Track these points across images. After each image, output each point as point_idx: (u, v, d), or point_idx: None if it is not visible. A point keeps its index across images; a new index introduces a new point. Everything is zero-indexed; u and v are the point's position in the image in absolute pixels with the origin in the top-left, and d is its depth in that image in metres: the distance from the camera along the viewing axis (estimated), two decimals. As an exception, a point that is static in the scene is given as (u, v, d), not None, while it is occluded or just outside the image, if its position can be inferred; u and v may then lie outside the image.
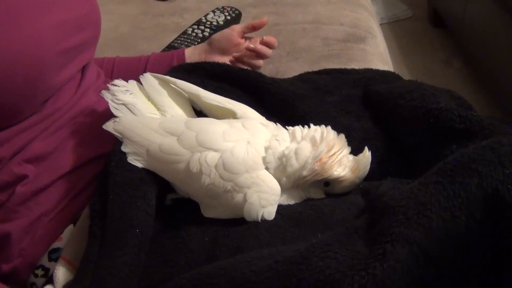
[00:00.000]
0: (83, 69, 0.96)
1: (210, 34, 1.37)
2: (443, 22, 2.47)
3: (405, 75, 1.02)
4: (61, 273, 0.78)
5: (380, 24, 2.53)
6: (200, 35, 1.36)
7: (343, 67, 1.13)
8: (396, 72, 1.09)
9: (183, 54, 1.18)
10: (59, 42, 0.85)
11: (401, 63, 2.41)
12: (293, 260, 0.65)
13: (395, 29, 2.63)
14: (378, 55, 1.36)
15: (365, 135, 0.91)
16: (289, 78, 1.09)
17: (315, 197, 0.82)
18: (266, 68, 1.25)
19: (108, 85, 0.88)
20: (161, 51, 1.33)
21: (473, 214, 0.62)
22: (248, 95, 0.98)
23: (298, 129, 0.83)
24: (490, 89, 2.15)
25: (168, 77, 0.91)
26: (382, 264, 0.61)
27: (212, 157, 0.77)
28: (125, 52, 1.35)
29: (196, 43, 1.34)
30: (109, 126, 0.82)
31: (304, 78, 1.08)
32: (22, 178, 0.84)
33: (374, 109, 0.96)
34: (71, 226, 0.85)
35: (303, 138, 0.81)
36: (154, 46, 1.37)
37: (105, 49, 1.33)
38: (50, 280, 0.81)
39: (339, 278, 0.62)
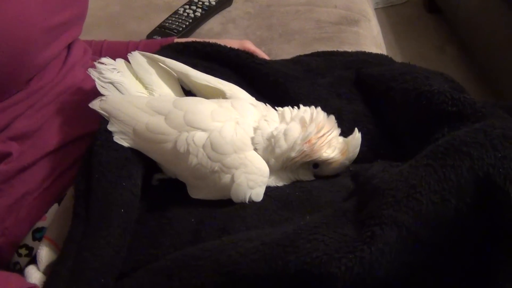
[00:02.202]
0: (69, 46, 0.94)
1: (202, 15, 1.35)
2: (438, 7, 2.45)
3: (399, 61, 1.00)
4: (44, 253, 0.77)
5: (375, 9, 2.51)
6: (192, 15, 1.34)
7: (335, 49, 1.12)
8: (390, 57, 1.08)
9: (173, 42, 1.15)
10: (44, 20, 0.83)
11: (395, 48, 2.40)
12: (280, 242, 0.64)
13: (390, 14, 2.61)
14: (371, 38, 1.34)
15: (356, 118, 0.89)
16: (280, 60, 1.07)
17: (304, 179, 0.81)
18: (258, 50, 1.23)
19: (95, 63, 0.86)
20: (151, 31, 1.32)
21: (463, 197, 0.61)
22: (239, 75, 0.96)
23: (287, 109, 0.82)
24: (484, 75, 2.14)
25: (157, 56, 0.89)
26: (370, 247, 0.61)
27: (199, 137, 0.76)
28: (114, 32, 1.34)
29: (187, 23, 1.32)
30: (95, 104, 0.81)
31: (296, 60, 1.06)
32: (6, 156, 0.82)
33: (366, 92, 0.94)
34: (55, 206, 0.83)
35: (292, 119, 0.79)
36: (145, 26, 1.35)
37: (94, 28, 1.32)
38: (33, 260, 0.80)
39: (326, 261, 0.61)
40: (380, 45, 1.36)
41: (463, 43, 2.30)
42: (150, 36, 1.30)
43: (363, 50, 1.15)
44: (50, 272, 0.73)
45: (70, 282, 0.70)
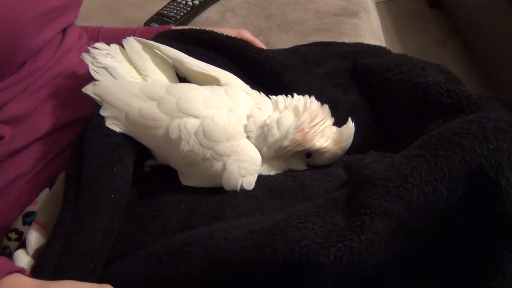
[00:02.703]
0: (64, 30, 0.93)
1: (200, 3, 1.34)
2: (440, 2, 2.44)
3: (400, 55, 1.00)
4: (33, 238, 0.77)
5: (377, 3, 2.49)
6: (190, 3, 1.34)
7: (333, 40, 1.11)
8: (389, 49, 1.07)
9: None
10: (38, 4, 0.83)
11: (396, 42, 2.38)
12: (269, 230, 0.64)
13: (391, 8, 2.59)
14: (370, 31, 1.33)
15: (351, 108, 0.89)
16: (277, 49, 1.06)
17: (297, 168, 0.81)
18: (256, 40, 1.22)
19: (89, 48, 0.85)
20: (149, 19, 1.31)
21: (455, 189, 0.61)
22: (234, 63, 0.96)
23: (281, 98, 0.81)
24: (485, 71, 2.13)
25: (152, 42, 0.89)
26: (360, 237, 0.61)
27: (192, 123, 0.75)
28: (112, 19, 1.33)
29: (185, 11, 1.31)
30: (88, 89, 0.80)
31: (293, 49, 1.06)
32: None
33: (362, 83, 0.94)
34: (47, 190, 0.83)
35: (285, 108, 0.79)
36: (143, 13, 1.34)
37: (91, 14, 1.31)
38: (23, 244, 0.79)
39: (315, 250, 0.61)
40: (379, 37, 1.35)
41: (464, 39, 2.29)
42: (147, 23, 1.29)
43: (361, 41, 1.14)
44: (39, 256, 0.73)
45: (58, 266, 0.70)
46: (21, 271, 0.70)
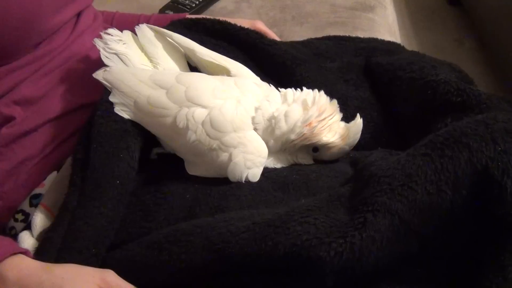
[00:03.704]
0: (80, 13, 0.93)
1: (216, -9, 1.34)
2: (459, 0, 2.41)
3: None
4: (39, 220, 0.78)
5: (395, -2, 2.48)
6: (206, -10, 1.33)
7: (348, 35, 1.10)
8: (405, 47, 1.06)
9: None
10: None
11: (412, 38, 2.36)
12: (271, 223, 0.64)
13: (409, 3, 2.57)
14: (386, 26, 1.32)
15: (361, 104, 0.88)
16: (290, 42, 1.06)
17: (303, 162, 0.81)
18: (270, 31, 1.22)
19: (101, 33, 0.86)
20: (164, 6, 1.31)
21: (460, 189, 0.60)
22: (246, 54, 0.96)
23: (290, 91, 0.81)
24: (501, 70, 2.11)
25: (164, 30, 0.89)
26: (361, 233, 0.60)
27: (199, 113, 0.75)
28: (127, 5, 1.33)
29: (201, -1, 1.31)
30: (99, 74, 0.81)
31: (306, 42, 1.05)
32: (9, 119, 0.82)
33: (373, 80, 0.93)
34: (54, 173, 0.84)
35: (294, 101, 0.79)
36: (158, 0, 1.34)
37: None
38: (29, 225, 0.80)
39: (316, 244, 0.61)
40: (395, 33, 1.34)
41: (481, 37, 2.26)
42: (162, 10, 1.29)
43: (376, 37, 1.13)
44: (43, 238, 0.74)
45: (61, 250, 0.70)
46: (25, 252, 0.71)
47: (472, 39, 2.34)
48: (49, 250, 0.71)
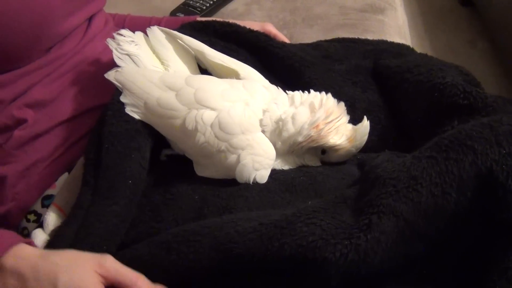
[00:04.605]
0: (91, 17, 0.95)
1: (227, -7, 1.35)
2: (471, 0, 2.40)
3: (428, 53, 0.98)
4: (51, 219, 0.79)
5: (407, -1, 2.48)
6: (217, -7, 1.34)
7: (357, 37, 1.11)
8: (417, 48, 1.07)
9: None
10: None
11: (424, 40, 2.36)
12: (277, 224, 0.64)
13: (422, 4, 2.56)
14: (396, 28, 1.32)
15: (369, 107, 0.89)
16: (299, 44, 1.07)
17: (310, 164, 0.81)
18: (280, 33, 1.23)
19: (114, 34, 0.87)
20: (175, 9, 1.32)
21: (464, 192, 0.61)
22: (255, 57, 0.96)
23: (297, 93, 0.81)
24: (513, 72, 2.10)
25: (175, 32, 0.90)
26: (366, 235, 0.61)
27: (208, 115, 0.76)
28: (138, 7, 1.34)
29: (211, 2, 1.32)
30: (110, 75, 0.82)
31: (315, 45, 1.06)
32: (21, 122, 0.84)
33: (381, 82, 0.94)
34: (66, 174, 0.85)
35: (301, 103, 0.79)
36: (169, 2, 1.35)
37: (118, 2, 1.32)
38: (41, 226, 0.81)
39: (322, 246, 0.61)
40: (405, 35, 1.34)
41: (494, 38, 2.25)
42: (173, 13, 1.31)
43: (386, 39, 1.13)
44: (55, 233, 0.75)
45: (73, 245, 0.71)
46: (28, 242, 0.71)
47: (484, 40, 2.34)
48: (61, 244, 0.72)
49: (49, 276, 0.66)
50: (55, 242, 0.73)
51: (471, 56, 2.27)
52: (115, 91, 0.81)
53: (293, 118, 0.78)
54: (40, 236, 0.77)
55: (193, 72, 0.90)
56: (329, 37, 1.13)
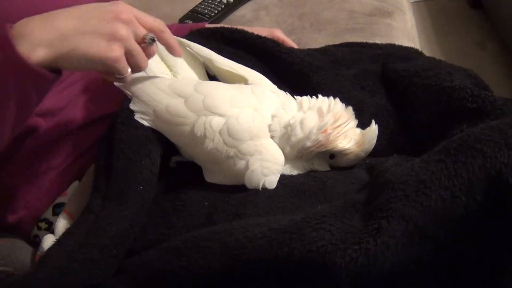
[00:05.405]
0: None
1: (235, 0, 1.36)
2: (481, 2, 2.39)
3: (437, 55, 0.98)
4: (61, 225, 0.80)
5: (416, 2, 2.47)
6: (225, 1, 1.35)
7: (365, 41, 1.11)
8: (426, 51, 1.06)
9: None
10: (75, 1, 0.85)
11: (434, 42, 2.35)
12: (287, 229, 0.64)
13: (431, 7, 2.56)
14: (404, 31, 1.32)
15: (377, 111, 0.89)
16: (307, 49, 1.07)
17: (319, 169, 0.81)
18: (288, 39, 1.23)
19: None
20: (184, 15, 1.33)
21: (473, 195, 0.60)
22: (263, 63, 0.97)
23: (305, 99, 0.82)
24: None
25: (182, 39, 0.90)
26: (376, 240, 0.61)
27: (217, 122, 0.77)
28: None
29: (219, 8, 1.33)
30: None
31: (323, 50, 1.06)
32: (32, 131, 0.84)
33: (389, 87, 0.94)
34: (76, 182, 0.86)
35: (310, 108, 0.80)
36: (178, 9, 1.36)
37: (128, 9, 1.33)
38: (52, 233, 0.82)
39: (331, 250, 0.61)
40: (413, 38, 1.34)
41: (504, 40, 2.24)
42: (182, 20, 1.31)
43: (394, 42, 1.13)
44: (64, 232, 0.75)
45: (83, 245, 0.71)
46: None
47: (494, 42, 2.33)
48: (70, 243, 0.72)
49: None
50: (65, 241, 0.73)
51: (480, 58, 2.26)
52: (124, 98, 0.82)
53: (301, 123, 0.78)
54: (50, 241, 0.78)
55: (202, 79, 0.90)
56: (337, 41, 1.13)
